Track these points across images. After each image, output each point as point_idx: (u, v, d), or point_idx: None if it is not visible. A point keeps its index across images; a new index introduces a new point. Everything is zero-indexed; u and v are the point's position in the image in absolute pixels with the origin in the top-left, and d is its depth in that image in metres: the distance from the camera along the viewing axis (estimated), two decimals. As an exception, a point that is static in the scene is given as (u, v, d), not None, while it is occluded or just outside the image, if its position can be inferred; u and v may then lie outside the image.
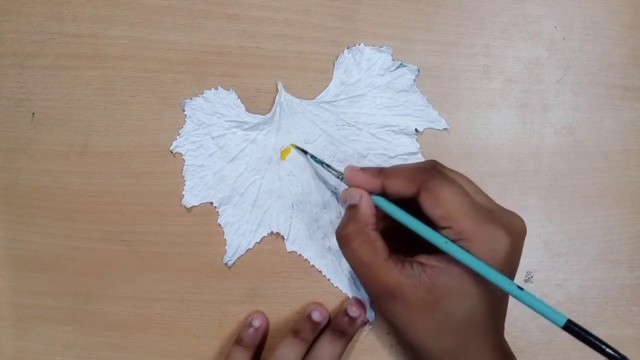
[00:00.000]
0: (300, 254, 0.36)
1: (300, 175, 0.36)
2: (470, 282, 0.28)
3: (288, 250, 0.36)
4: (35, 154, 0.37)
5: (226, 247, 0.36)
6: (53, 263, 0.37)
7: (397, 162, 0.36)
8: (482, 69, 0.37)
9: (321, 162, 0.35)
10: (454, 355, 0.29)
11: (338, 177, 0.33)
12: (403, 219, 0.29)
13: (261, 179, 0.36)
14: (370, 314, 0.36)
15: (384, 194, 0.30)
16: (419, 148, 0.37)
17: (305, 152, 0.36)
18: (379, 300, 0.30)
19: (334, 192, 0.36)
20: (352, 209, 0.30)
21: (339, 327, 0.34)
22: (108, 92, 0.37)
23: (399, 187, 0.29)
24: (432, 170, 0.29)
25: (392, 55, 0.37)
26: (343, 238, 0.30)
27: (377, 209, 0.30)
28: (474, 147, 0.37)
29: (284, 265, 0.37)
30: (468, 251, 0.27)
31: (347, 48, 0.37)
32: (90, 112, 0.37)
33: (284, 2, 0.37)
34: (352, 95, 0.37)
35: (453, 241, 0.27)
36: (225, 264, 0.36)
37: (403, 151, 0.36)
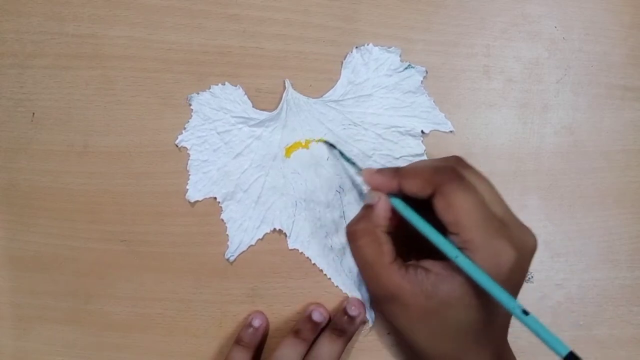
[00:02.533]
0: (301, 252, 0.36)
1: (304, 173, 0.36)
2: (472, 293, 0.28)
3: (290, 247, 0.36)
4: (35, 154, 0.37)
5: (228, 243, 0.36)
6: (53, 263, 0.37)
7: (402, 163, 0.36)
8: (482, 69, 0.37)
9: (347, 159, 0.35)
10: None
11: (358, 174, 0.33)
12: (417, 224, 0.29)
13: (265, 176, 0.36)
14: (371, 315, 0.36)
15: (401, 194, 0.30)
16: (425, 150, 0.37)
17: (333, 146, 0.36)
18: (380, 301, 0.30)
19: (338, 191, 0.36)
20: (367, 208, 0.31)
21: (338, 326, 0.34)
22: (108, 92, 0.37)
23: (415, 188, 0.29)
24: (450, 173, 0.29)
25: (400, 57, 0.37)
26: (352, 233, 0.31)
27: (394, 212, 0.30)
28: (474, 147, 0.37)
29: (285, 266, 0.37)
30: (476, 265, 0.27)
31: (356, 47, 0.37)
32: (90, 112, 0.37)
33: (284, 2, 0.37)
34: (359, 94, 0.37)
35: (459, 249, 0.27)
36: (227, 259, 0.36)
37: (408, 152, 0.36)
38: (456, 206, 0.27)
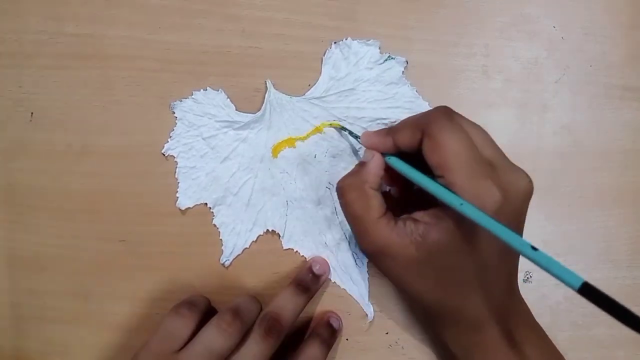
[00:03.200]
0: (296, 251, 0.36)
1: (293, 172, 0.36)
2: (460, 237, 0.27)
3: (284, 248, 0.36)
4: (34, 154, 0.37)
5: (222, 248, 0.36)
6: (52, 263, 0.37)
7: None
8: (481, 68, 0.37)
9: (350, 132, 0.35)
10: (451, 307, 0.29)
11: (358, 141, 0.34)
12: (414, 177, 0.29)
13: (254, 178, 0.36)
14: (369, 310, 0.36)
15: (399, 154, 0.30)
16: None
17: (344, 128, 0.36)
18: (370, 255, 0.30)
19: (328, 188, 0.36)
20: (360, 165, 0.31)
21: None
22: (107, 92, 0.37)
23: (406, 138, 0.29)
24: (438, 115, 0.28)
25: (379, 48, 0.37)
26: (340, 188, 0.31)
27: (392, 172, 0.30)
28: (473, 147, 0.37)
29: (282, 264, 0.37)
30: (478, 208, 0.26)
31: (335, 43, 0.37)
32: (89, 112, 0.37)
33: (284, 2, 0.37)
34: (341, 89, 0.37)
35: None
36: (222, 264, 0.36)
37: None
38: (443, 146, 0.27)
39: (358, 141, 0.34)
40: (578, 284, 0.22)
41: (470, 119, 0.37)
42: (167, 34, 0.37)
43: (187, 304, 0.32)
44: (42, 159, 0.37)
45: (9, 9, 0.37)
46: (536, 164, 0.37)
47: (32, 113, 0.37)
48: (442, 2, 0.37)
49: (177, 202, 0.36)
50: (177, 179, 0.36)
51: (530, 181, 0.29)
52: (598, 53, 0.37)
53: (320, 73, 0.37)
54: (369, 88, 0.37)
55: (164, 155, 0.36)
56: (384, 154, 0.31)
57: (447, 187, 0.27)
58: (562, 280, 0.23)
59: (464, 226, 0.27)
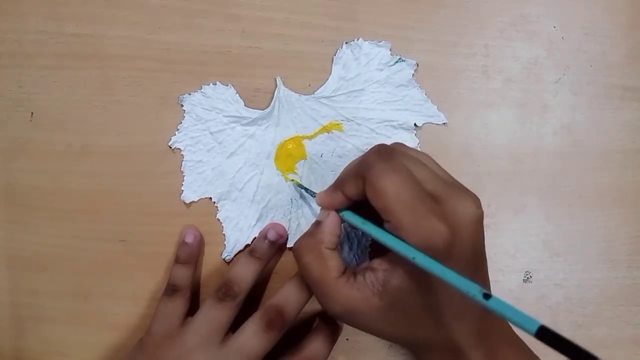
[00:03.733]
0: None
1: (299, 170, 0.36)
2: (419, 278, 0.27)
3: (287, 246, 0.36)
4: (34, 154, 0.37)
5: (225, 243, 0.36)
6: (53, 263, 0.37)
7: None
8: (481, 68, 0.37)
9: (305, 189, 0.35)
10: (426, 340, 0.29)
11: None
12: (367, 230, 0.29)
13: (260, 174, 0.36)
14: None
15: (355, 206, 0.30)
16: (418, 143, 0.37)
17: (300, 186, 0.36)
18: (336, 316, 0.29)
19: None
20: (315, 225, 0.31)
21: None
22: (107, 91, 0.37)
23: (352, 189, 0.29)
24: (374, 158, 0.28)
25: (390, 50, 0.37)
26: (296, 250, 0.31)
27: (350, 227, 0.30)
28: (473, 146, 0.37)
29: (283, 262, 0.37)
30: (425, 255, 0.26)
31: (346, 43, 0.37)
32: (89, 112, 0.37)
33: (284, 2, 0.37)
34: (350, 90, 0.37)
35: (393, 234, 0.27)
36: (224, 259, 0.36)
37: None
38: (382, 190, 0.27)
39: (309, 194, 0.34)
40: (534, 328, 0.22)
41: (470, 118, 0.37)
42: (167, 34, 0.37)
43: (172, 287, 0.34)
44: (42, 159, 0.37)
45: (9, 9, 0.37)
46: (536, 164, 0.37)
47: (32, 113, 0.37)
48: (442, 2, 0.37)
49: (182, 195, 0.36)
50: (182, 172, 0.36)
51: (479, 206, 0.28)
52: (598, 53, 0.37)
53: (321, 72, 0.37)
54: (379, 89, 0.37)
55: (171, 147, 0.36)
56: (339, 210, 0.31)
57: (395, 231, 0.27)
58: (519, 326, 0.22)
59: (420, 268, 0.27)
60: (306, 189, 0.35)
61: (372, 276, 0.28)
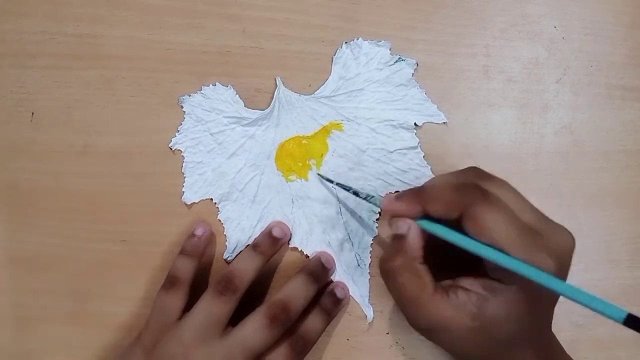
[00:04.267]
0: (300, 250, 0.36)
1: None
2: (518, 306, 0.27)
3: (288, 246, 0.36)
4: (35, 154, 0.37)
5: (226, 243, 0.36)
6: (53, 263, 0.37)
7: (396, 156, 0.36)
8: (481, 68, 0.37)
9: (348, 189, 0.34)
10: None
11: (370, 202, 0.33)
12: (455, 240, 0.28)
13: (260, 175, 0.36)
14: (369, 312, 0.36)
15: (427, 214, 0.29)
16: (418, 142, 0.37)
17: (330, 180, 0.36)
18: (424, 331, 0.29)
19: (334, 188, 0.36)
20: (399, 240, 0.29)
21: (325, 306, 0.34)
22: (108, 92, 0.37)
23: (440, 212, 0.28)
24: (474, 192, 0.27)
25: (390, 50, 0.37)
26: (389, 272, 0.29)
27: (424, 233, 0.29)
28: (474, 147, 0.37)
29: (284, 264, 0.37)
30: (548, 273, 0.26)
31: (345, 43, 0.37)
32: (90, 112, 0.37)
33: (284, 2, 0.37)
34: (350, 89, 0.37)
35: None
36: (225, 259, 0.36)
37: (402, 145, 0.36)
38: (489, 228, 0.26)
39: (369, 201, 0.33)
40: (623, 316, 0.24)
41: (470, 119, 0.37)
42: (167, 34, 0.37)
43: (172, 278, 0.34)
44: (43, 159, 0.37)
45: (9, 9, 0.37)
46: (537, 164, 0.37)
47: (32, 113, 0.37)
48: (442, 2, 0.37)
49: (183, 196, 0.36)
50: (183, 174, 0.36)
51: (571, 235, 0.28)
52: (599, 53, 0.37)
53: (322, 72, 0.37)
54: (379, 89, 0.37)
55: (171, 149, 0.36)
56: (416, 218, 0.29)
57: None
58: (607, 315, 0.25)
59: (521, 295, 0.27)
60: (340, 184, 0.35)
61: (465, 296, 0.28)
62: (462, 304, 0.28)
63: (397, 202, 0.29)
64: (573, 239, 0.28)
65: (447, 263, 0.29)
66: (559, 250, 0.27)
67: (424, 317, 0.28)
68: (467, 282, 0.28)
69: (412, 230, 0.29)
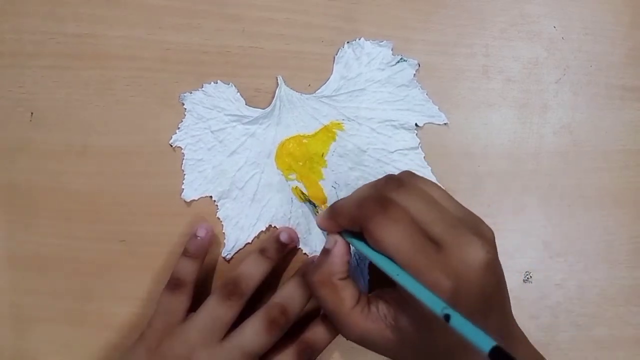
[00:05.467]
0: (299, 249, 0.36)
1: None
2: (425, 320, 0.26)
3: (299, 250, 0.36)
4: (34, 154, 0.37)
5: (225, 241, 0.36)
6: (53, 263, 0.37)
7: (397, 157, 0.37)
8: (481, 68, 0.37)
9: (308, 200, 0.36)
10: None
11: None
12: (367, 254, 0.28)
13: (261, 173, 0.37)
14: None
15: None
16: (419, 143, 0.37)
17: (309, 201, 0.36)
18: (355, 342, 0.30)
19: (334, 187, 0.36)
20: (324, 255, 0.30)
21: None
22: (107, 92, 0.37)
23: (348, 225, 0.29)
24: (372, 206, 0.27)
25: (392, 50, 0.37)
26: (310, 284, 0.30)
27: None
28: (473, 146, 0.37)
29: (283, 261, 0.36)
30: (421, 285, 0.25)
31: (347, 42, 0.37)
32: (90, 112, 0.37)
33: (284, 2, 0.37)
34: (352, 89, 0.37)
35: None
36: (224, 258, 0.36)
37: (403, 146, 0.37)
38: (382, 242, 0.26)
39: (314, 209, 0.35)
40: (489, 348, 0.20)
41: (470, 118, 0.37)
42: (167, 34, 0.37)
43: (175, 280, 0.34)
44: (42, 159, 0.37)
45: (9, 9, 0.37)
46: (536, 163, 0.37)
47: (32, 113, 0.37)
48: (442, 2, 0.37)
49: (182, 193, 0.36)
50: (183, 171, 0.36)
51: (489, 249, 0.26)
52: (599, 53, 0.37)
53: (321, 72, 0.37)
54: (380, 89, 0.37)
55: (172, 146, 0.36)
56: (345, 233, 0.29)
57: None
58: (475, 345, 0.21)
59: (427, 309, 0.26)
60: (309, 201, 0.36)
61: (385, 308, 0.28)
62: (382, 317, 0.28)
63: (320, 219, 0.30)
64: (487, 252, 0.26)
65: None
66: (462, 267, 0.25)
67: (346, 330, 0.29)
68: (387, 292, 0.29)
69: (337, 245, 0.29)
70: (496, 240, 0.28)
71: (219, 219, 0.36)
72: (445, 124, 0.37)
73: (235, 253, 0.36)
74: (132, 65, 0.37)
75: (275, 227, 0.36)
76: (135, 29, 0.37)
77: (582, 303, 0.37)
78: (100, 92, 0.37)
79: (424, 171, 0.36)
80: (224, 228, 0.36)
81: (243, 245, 0.36)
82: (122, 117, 0.37)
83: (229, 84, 0.37)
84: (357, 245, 0.29)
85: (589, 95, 0.37)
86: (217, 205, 0.36)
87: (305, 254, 0.37)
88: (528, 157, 0.37)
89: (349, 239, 0.29)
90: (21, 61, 0.37)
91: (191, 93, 0.37)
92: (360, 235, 0.28)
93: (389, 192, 0.28)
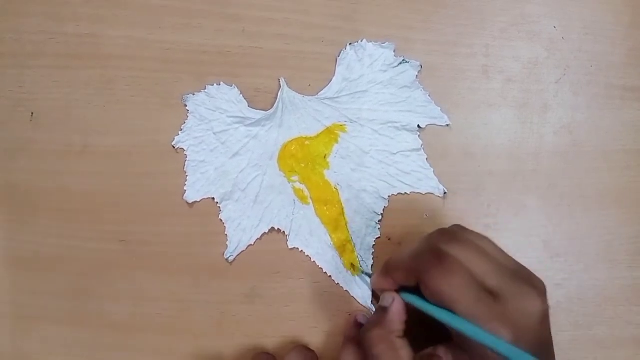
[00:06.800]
0: (301, 251, 0.36)
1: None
2: None
3: (290, 247, 0.36)
4: (35, 154, 0.37)
5: (227, 243, 0.36)
6: (53, 263, 0.37)
7: (399, 158, 0.36)
8: (481, 68, 0.37)
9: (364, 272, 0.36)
10: None
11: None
12: (435, 314, 0.27)
13: (263, 175, 0.37)
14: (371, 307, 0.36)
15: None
16: (422, 145, 0.37)
17: (362, 271, 0.36)
18: None
19: (336, 189, 0.36)
20: (381, 312, 0.29)
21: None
22: (107, 92, 0.37)
23: (404, 280, 0.29)
24: (428, 258, 0.27)
25: (394, 51, 0.37)
26: (367, 340, 0.29)
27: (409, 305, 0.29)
28: (474, 146, 0.37)
29: (284, 265, 0.37)
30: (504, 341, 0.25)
31: (350, 44, 0.37)
32: (90, 112, 0.37)
33: (284, 2, 0.37)
34: (354, 91, 0.37)
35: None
36: (227, 259, 0.36)
37: (405, 147, 0.37)
38: (441, 293, 0.26)
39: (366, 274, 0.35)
40: None
41: (470, 119, 0.37)
42: (167, 34, 0.37)
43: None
44: (43, 158, 0.37)
45: (9, 9, 0.37)
46: (536, 163, 0.37)
47: (32, 113, 0.37)
48: (442, 2, 0.37)
49: (185, 195, 0.36)
50: (185, 172, 0.36)
51: (544, 300, 0.26)
52: (599, 53, 0.37)
53: (321, 72, 0.37)
54: (382, 91, 0.37)
55: (174, 147, 0.36)
56: (399, 290, 0.30)
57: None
58: None
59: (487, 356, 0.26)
60: (365, 272, 0.36)
61: None
62: None
63: (374, 280, 0.30)
64: (542, 302, 0.26)
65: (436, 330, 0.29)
66: (520, 317, 0.26)
67: None
68: (442, 350, 0.28)
69: (395, 303, 0.29)
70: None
71: (221, 220, 0.36)
72: (447, 125, 0.37)
73: (238, 254, 0.36)
74: (132, 65, 0.37)
75: (279, 229, 0.36)
76: (135, 29, 0.37)
77: (582, 303, 0.37)
78: (100, 92, 0.37)
79: (426, 173, 0.36)
80: (226, 230, 0.36)
81: (245, 247, 0.36)
82: (122, 117, 0.37)
83: (231, 86, 0.37)
84: (413, 300, 0.28)
85: (589, 95, 0.37)
86: (219, 206, 0.36)
87: (307, 255, 0.36)
88: (528, 157, 0.37)
89: (403, 295, 0.29)
90: (21, 61, 0.37)
91: (194, 94, 0.37)
92: (413, 290, 0.28)
93: (443, 245, 0.28)
